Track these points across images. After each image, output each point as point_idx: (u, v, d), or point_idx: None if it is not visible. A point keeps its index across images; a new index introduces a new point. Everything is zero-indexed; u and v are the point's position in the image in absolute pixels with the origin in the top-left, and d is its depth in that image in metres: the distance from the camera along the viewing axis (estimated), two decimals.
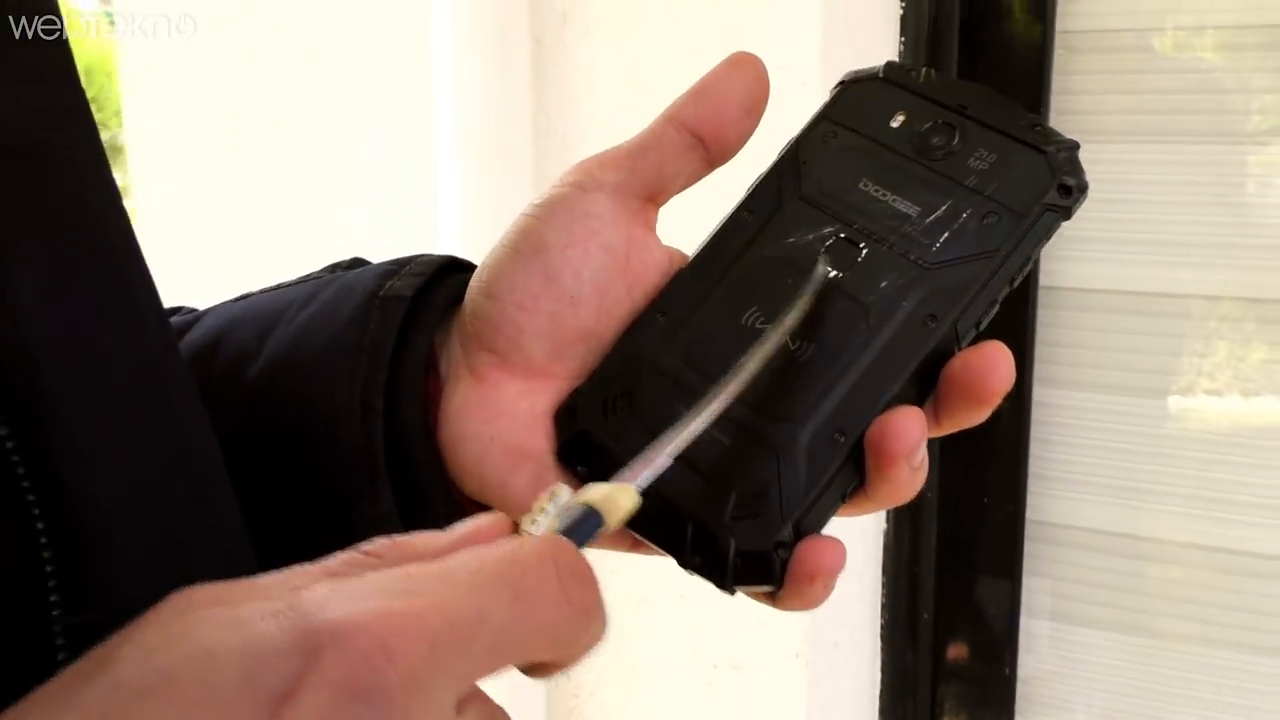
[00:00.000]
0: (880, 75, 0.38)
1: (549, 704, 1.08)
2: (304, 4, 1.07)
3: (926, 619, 1.12)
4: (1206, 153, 1.01)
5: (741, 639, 1.00)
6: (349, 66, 1.06)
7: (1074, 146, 0.35)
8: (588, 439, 0.36)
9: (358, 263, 0.45)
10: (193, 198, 1.16)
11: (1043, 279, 1.05)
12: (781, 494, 0.33)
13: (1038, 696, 1.14)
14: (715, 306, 0.36)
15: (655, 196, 0.38)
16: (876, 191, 0.36)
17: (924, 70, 0.38)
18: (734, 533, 0.33)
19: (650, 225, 0.38)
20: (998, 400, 0.33)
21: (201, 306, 0.47)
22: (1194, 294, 1.03)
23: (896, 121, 0.37)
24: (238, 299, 0.46)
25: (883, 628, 1.12)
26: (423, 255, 0.41)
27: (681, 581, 1.18)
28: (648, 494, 0.31)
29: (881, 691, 1.13)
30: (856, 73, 0.39)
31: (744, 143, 0.38)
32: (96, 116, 0.33)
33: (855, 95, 0.38)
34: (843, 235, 0.36)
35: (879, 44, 0.98)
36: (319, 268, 0.46)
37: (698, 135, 0.37)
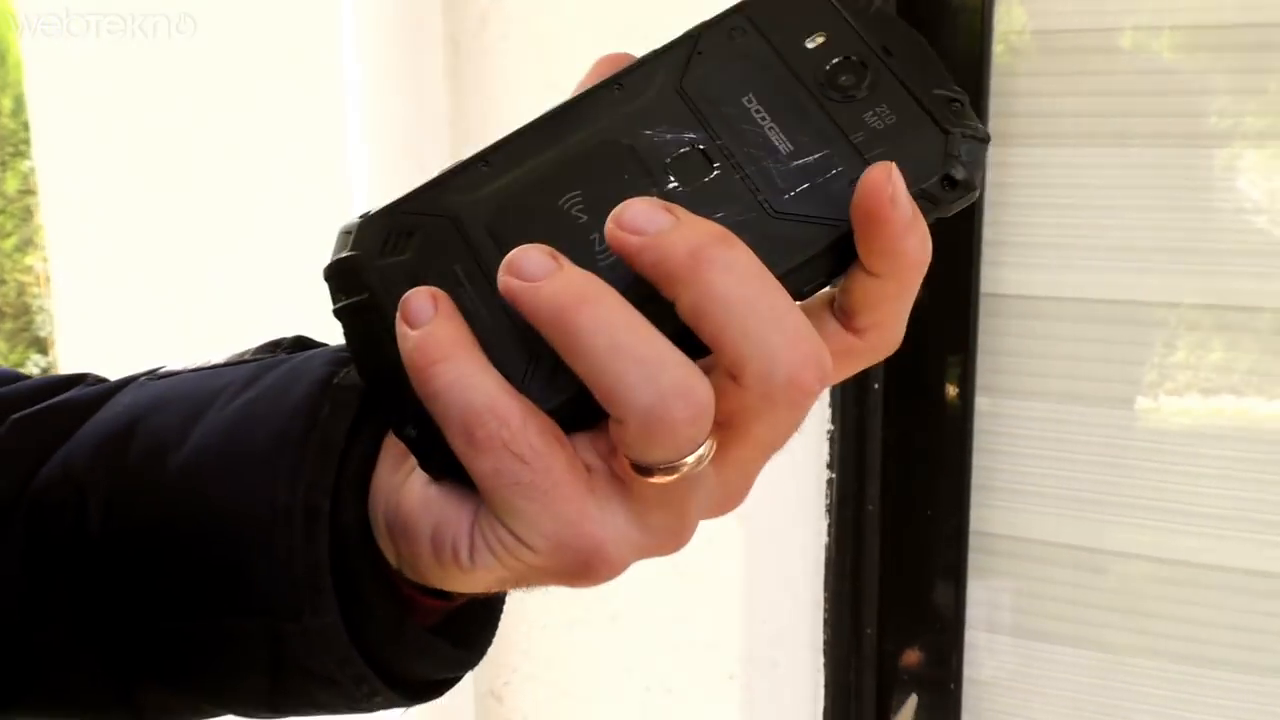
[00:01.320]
0: None
1: None
2: (211, 5, 1.04)
3: (870, 634, 1.11)
4: (1159, 156, 1.00)
5: (674, 661, 0.98)
6: (258, 68, 1.04)
7: (982, 138, 0.31)
8: (355, 269, 0.32)
9: (302, 342, 0.41)
10: (100, 206, 1.14)
11: (985, 285, 1.04)
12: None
13: (986, 710, 1.13)
14: (540, 177, 0.32)
15: None
16: (757, 113, 0.32)
17: None
18: None
19: None
20: (886, 211, 0.29)
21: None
22: (1143, 300, 1.02)
23: (813, 42, 0.33)
24: (158, 375, 0.41)
25: (825, 644, 1.10)
26: None
27: (613, 603, 1.15)
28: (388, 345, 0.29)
29: (825, 709, 1.11)
30: None
31: None
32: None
33: None
34: (701, 147, 0.32)
35: None
36: (255, 345, 0.41)
37: None
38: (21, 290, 4.60)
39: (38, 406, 0.41)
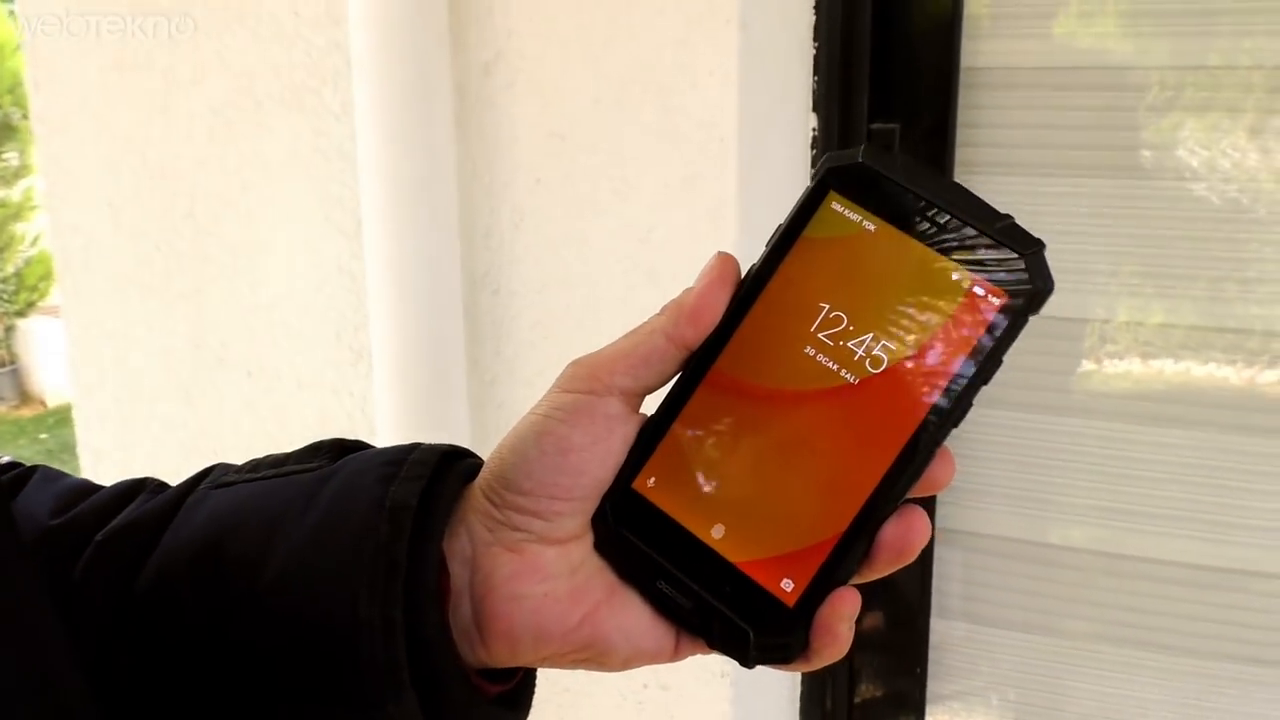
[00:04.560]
0: None
1: None
2: (223, 53, 1.06)
3: None
4: (1104, 186, 1.05)
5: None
6: (270, 114, 1.05)
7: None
8: None
9: (340, 445, 0.47)
10: (106, 241, 1.15)
11: None
12: None
13: (948, 692, 1.20)
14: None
15: (649, 392, 0.44)
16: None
17: None
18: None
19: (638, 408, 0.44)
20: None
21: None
22: (1091, 318, 1.08)
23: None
24: (217, 483, 0.47)
25: None
26: (418, 450, 0.44)
27: None
28: None
29: (801, 695, 1.17)
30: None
31: None
32: None
33: None
34: None
35: (793, 90, 1.00)
36: (301, 448, 0.47)
37: (688, 348, 0.42)
38: None
39: (116, 524, 0.46)
